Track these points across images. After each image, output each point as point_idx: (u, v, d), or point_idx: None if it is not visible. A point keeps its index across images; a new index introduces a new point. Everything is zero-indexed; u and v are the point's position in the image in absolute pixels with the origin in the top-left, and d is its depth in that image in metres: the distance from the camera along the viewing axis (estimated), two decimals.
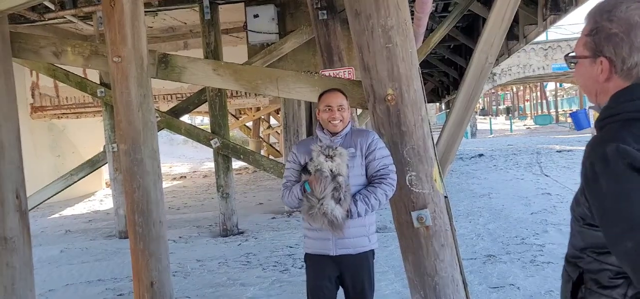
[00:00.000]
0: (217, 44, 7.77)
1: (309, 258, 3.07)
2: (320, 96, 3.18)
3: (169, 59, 3.92)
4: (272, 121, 29.87)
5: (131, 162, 3.75)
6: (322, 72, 7.30)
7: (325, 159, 2.89)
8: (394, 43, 3.35)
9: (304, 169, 2.98)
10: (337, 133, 3.06)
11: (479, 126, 36.56)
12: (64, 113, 12.95)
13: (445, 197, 3.55)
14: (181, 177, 19.54)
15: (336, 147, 2.92)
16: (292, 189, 2.96)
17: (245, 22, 8.12)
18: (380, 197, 2.96)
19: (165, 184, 12.47)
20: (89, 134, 14.68)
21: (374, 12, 3.33)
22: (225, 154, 8.00)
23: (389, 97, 3.36)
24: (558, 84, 48.09)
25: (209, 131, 8.22)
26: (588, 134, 23.02)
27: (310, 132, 10.40)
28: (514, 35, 8.21)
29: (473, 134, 32.16)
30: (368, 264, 3.10)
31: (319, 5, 7.29)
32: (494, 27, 3.57)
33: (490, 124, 36.22)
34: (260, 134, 27.01)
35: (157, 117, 6.38)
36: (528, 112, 59.76)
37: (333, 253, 2.96)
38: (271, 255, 6.57)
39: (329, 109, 3.04)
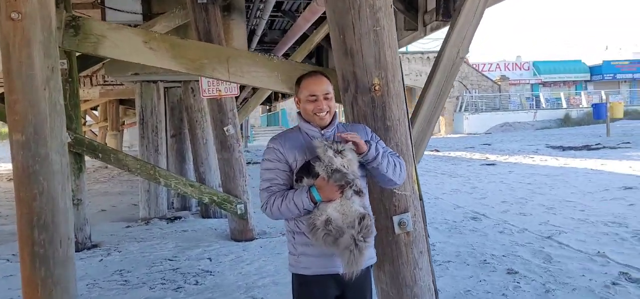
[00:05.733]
0: None
1: (308, 281, 2.44)
2: (299, 81, 2.54)
3: (82, 24, 2.98)
4: (87, 118, 26.91)
5: (31, 159, 2.74)
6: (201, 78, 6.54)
7: (335, 154, 2.34)
8: (381, 26, 2.99)
9: (305, 170, 2.38)
10: (327, 126, 2.52)
11: None
12: None
13: (421, 199, 3.29)
14: None
15: (347, 142, 2.39)
16: (291, 197, 2.30)
17: None
18: (396, 165, 2.47)
19: None
20: None
21: None
22: (78, 152, 6.69)
23: (376, 87, 2.97)
24: None
25: None
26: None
27: (166, 129, 9.37)
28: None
29: None
30: (371, 277, 2.66)
31: None
32: (467, 19, 3.42)
33: None
34: None
35: None
36: None
37: (342, 271, 2.42)
38: (151, 271, 5.61)
39: (314, 99, 2.45)
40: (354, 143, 2.32)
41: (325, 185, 2.26)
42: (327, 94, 2.45)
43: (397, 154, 2.60)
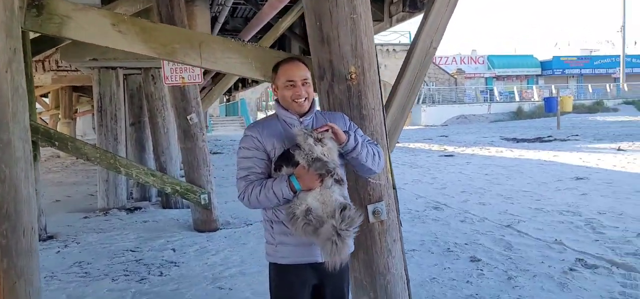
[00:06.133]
0: None
1: (286, 270, 2.41)
2: (276, 68, 2.51)
3: (45, 3, 2.83)
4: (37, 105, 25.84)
5: None
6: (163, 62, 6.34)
7: (315, 142, 2.31)
8: (358, 14, 2.97)
9: (285, 158, 2.33)
10: (305, 113, 2.49)
11: None
12: None
13: (394, 188, 3.31)
14: None
15: (327, 129, 2.36)
16: (270, 186, 2.26)
17: None
18: (375, 154, 2.46)
19: None
20: None
21: None
22: (33, 139, 6.38)
23: (352, 76, 2.96)
24: None
25: None
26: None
27: (125, 117, 9.10)
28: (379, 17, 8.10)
29: None
30: (348, 268, 2.65)
31: None
32: (440, 10, 3.44)
33: None
34: None
35: None
36: None
37: (321, 259, 2.40)
38: (112, 262, 5.45)
39: (292, 85, 2.42)
40: (334, 133, 2.30)
41: (305, 174, 2.23)
42: (305, 80, 2.43)
43: (375, 143, 2.60)
